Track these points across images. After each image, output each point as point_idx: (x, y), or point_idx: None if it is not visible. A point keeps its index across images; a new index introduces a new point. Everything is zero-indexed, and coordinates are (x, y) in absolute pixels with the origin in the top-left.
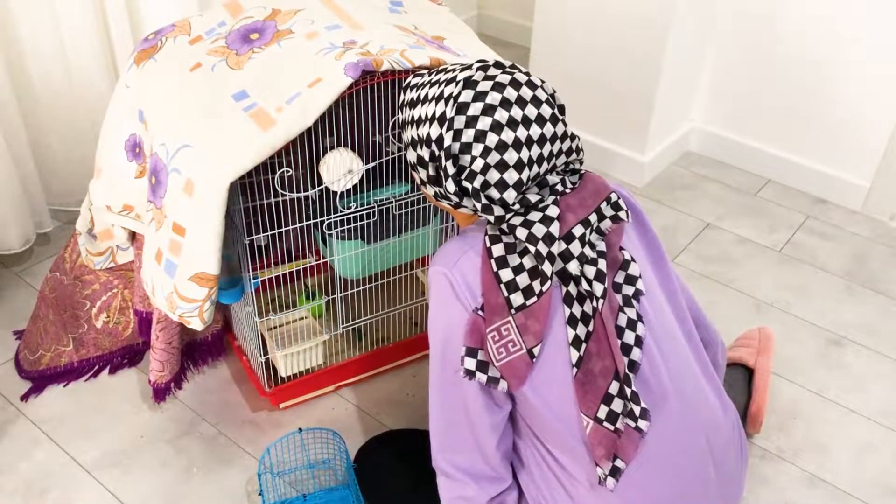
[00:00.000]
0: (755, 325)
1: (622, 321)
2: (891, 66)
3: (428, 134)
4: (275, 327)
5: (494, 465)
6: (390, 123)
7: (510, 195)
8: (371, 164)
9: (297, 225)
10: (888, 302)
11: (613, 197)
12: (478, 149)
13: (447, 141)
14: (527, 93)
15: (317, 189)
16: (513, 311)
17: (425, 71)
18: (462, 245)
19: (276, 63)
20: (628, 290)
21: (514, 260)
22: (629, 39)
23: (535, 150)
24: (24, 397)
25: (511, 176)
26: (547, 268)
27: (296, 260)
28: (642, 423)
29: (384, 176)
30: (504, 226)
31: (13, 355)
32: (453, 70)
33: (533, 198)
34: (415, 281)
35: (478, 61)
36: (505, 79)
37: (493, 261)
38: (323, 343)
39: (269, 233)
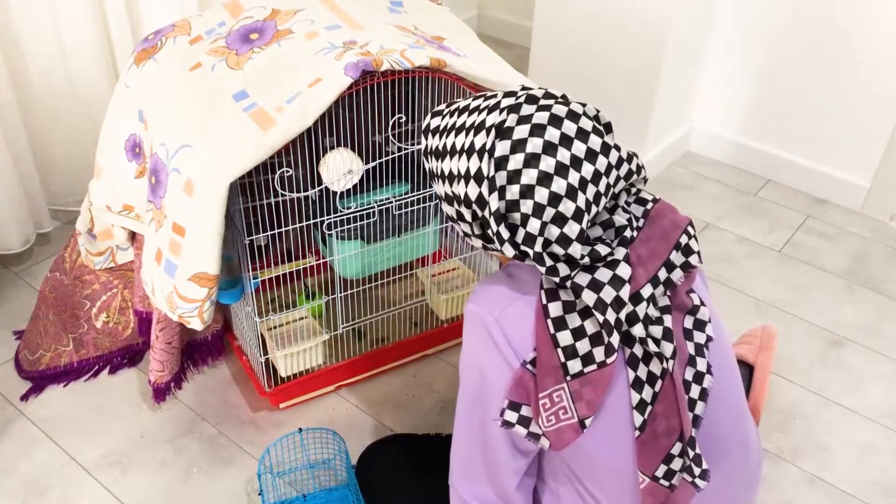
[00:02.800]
0: (755, 325)
1: (689, 374)
2: (891, 66)
3: (466, 194)
4: (275, 327)
5: (513, 501)
6: (390, 123)
7: (576, 250)
8: (371, 164)
9: (297, 225)
10: (888, 302)
11: (683, 240)
12: (527, 205)
13: (493, 204)
14: (570, 128)
15: (317, 189)
16: (568, 377)
17: (444, 108)
18: (511, 291)
19: (276, 63)
20: (699, 337)
21: (573, 321)
22: (629, 39)
23: (591, 191)
24: (24, 397)
25: (572, 229)
26: (615, 339)
27: (296, 260)
28: (700, 482)
29: (384, 176)
30: (567, 282)
31: (13, 355)
32: (479, 111)
33: (602, 250)
34: (415, 281)
35: (504, 95)
36: (542, 118)
37: (549, 321)
38: (323, 343)
39: (269, 233)
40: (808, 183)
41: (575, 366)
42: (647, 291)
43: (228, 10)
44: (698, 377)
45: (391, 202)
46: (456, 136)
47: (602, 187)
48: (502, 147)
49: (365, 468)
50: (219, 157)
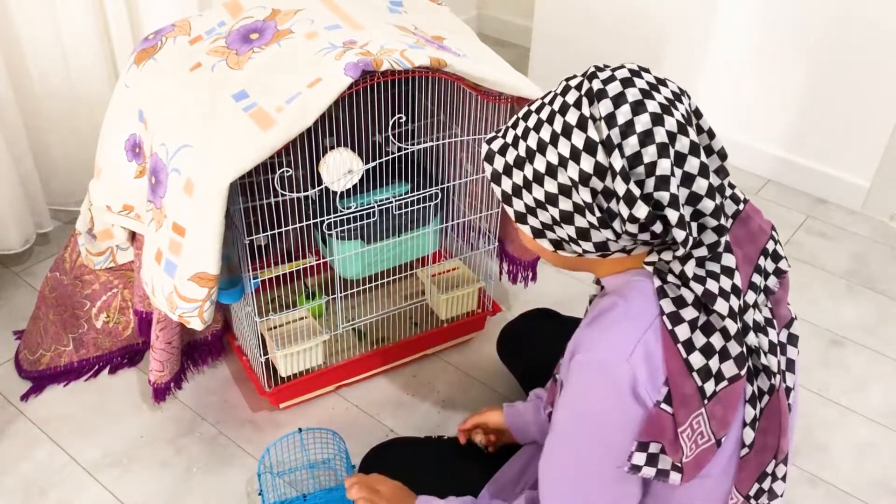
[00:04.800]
0: None
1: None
2: (891, 66)
3: (580, 172)
4: (275, 327)
5: None
6: (390, 123)
7: (707, 205)
8: (371, 164)
9: (297, 225)
10: (888, 302)
11: (771, 246)
12: (650, 152)
13: (616, 163)
14: (649, 78)
15: (317, 189)
16: (706, 400)
17: (501, 130)
18: (633, 328)
19: (276, 63)
20: (792, 352)
21: (699, 339)
22: (629, 39)
23: (696, 137)
24: (24, 397)
25: (700, 184)
26: (738, 348)
27: (296, 260)
28: (779, 502)
29: (384, 176)
30: (690, 296)
31: (13, 355)
32: (546, 104)
33: (730, 208)
34: (415, 281)
35: (567, 80)
36: (622, 74)
37: (680, 346)
38: (323, 343)
39: (269, 233)
40: (808, 183)
41: (710, 387)
42: (750, 298)
43: (228, 10)
44: (787, 393)
45: (391, 202)
46: (538, 132)
47: (703, 156)
48: (605, 105)
49: (366, 472)
50: (219, 157)
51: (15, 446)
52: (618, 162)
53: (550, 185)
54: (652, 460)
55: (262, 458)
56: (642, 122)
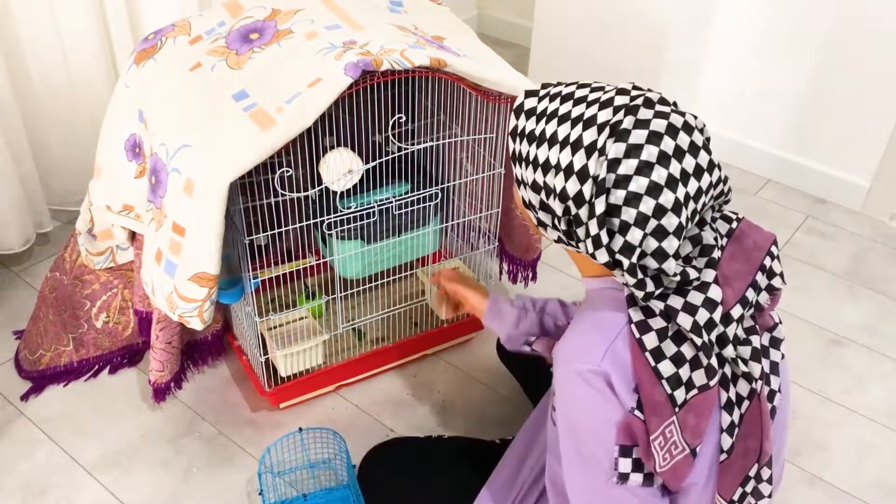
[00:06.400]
0: None
1: (764, 393)
2: (891, 67)
3: (563, 188)
4: (275, 327)
5: None
6: (390, 123)
7: (670, 266)
8: (371, 164)
9: (297, 225)
10: (888, 302)
11: (767, 263)
12: (630, 214)
13: (598, 206)
14: (685, 140)
15: (317, 189)
16: (677, 408)
17: (539, 89)
18: (602, 334)
19: (276, 63)
20: (775, 355)
21: (669, 348)
22: (629, 39)
23: (691, 207)
24: (24, 397)
25: (671, 244)
26: (714, 361)
27: (296, 260)
28: (765, 502)
29: (384, 176)
30: (659, 307)
31: (13, 355)
32: (588, 102)
33: (692, 273)
34: (415, 281)
35: (617, 92)
36: (661, 125)
37: (648, 354)
38: (323, 343)
39: (269, 233)
40: (808, 183)
41: (680, 395)
42: (737, 312)
43: (228, 10)
44: (771, 396)
45: (391, 202)
46: (559, 124)
47: (699, 205)
48: (616, 149)
49: (366, 472)
50: (219, 157)
51: (15, 446)
52: (600, 205)
53: (539, 176)
54: (638, 466)
55: (263, 458)
56: (638, 184)
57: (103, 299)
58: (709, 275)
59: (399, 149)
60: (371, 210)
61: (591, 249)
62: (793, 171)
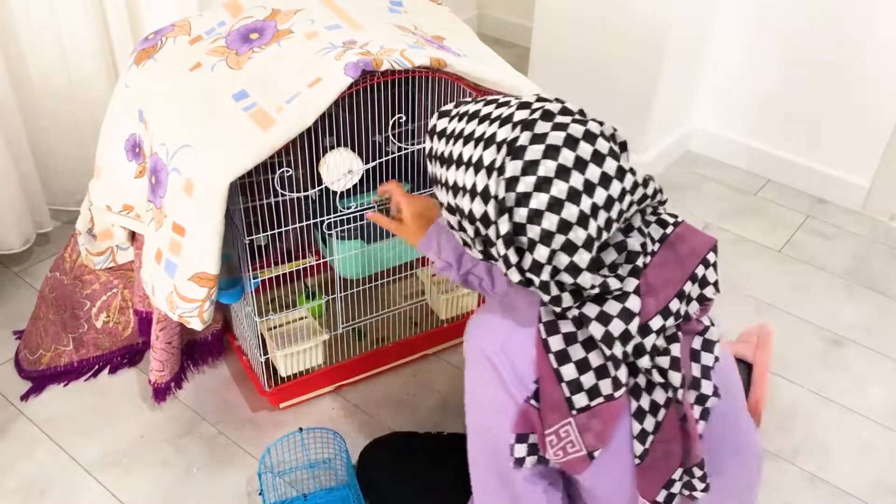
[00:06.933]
0: (754, 325)
1: (691, 397)
2: (891, 66)
3: (471, 210)
4: (275, 327)
5: None
6: (390, 123)
7: (586, 279)
8: (371, 164)
9: (297, 225)
10: (888, 302)
11: (700, 272)
12: (535, 231)
13: (502, 226)
14: (586, 150)
15: (317, 189)
16: (574, 411)
17: (452, 108)
18: (509, 322)
19: (276, 63)
20: (707, 358)
21: (576, 353)
22: (629, 39)
23: (603, 217)
24: (24, 397)
25: (582, 258)
26: (622, 373)
27: (296, 260)
28: (699, 494)
29: (384, 176)
30: (573, 312)
31: (13, 355)
32: (490, 120)
33: (613, 284)
34: (415, 281)
35: (519, 107)
36: (558, 138)
37: (552, 355)
38: (323, 343)
39: (269, 233)
40: (808, 183)
41: (581, 400)
42: (656, 323)
43: (228, 9)
44: (701, 399)
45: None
46: (464, 145)
47: (614, 213)
48: (513, 167)
49: (364, 466)
50: (219, 157)
51: (15, 446)
52: (504, 225)
53: (451, 198)
54: (533, 450)
55: (263, 458)
56: (539, 201)
57: (103, 299)
58: (630, 284)
59: (399, 149)
60: (371, 210)
61: (504, 269)
62: (793, 171)
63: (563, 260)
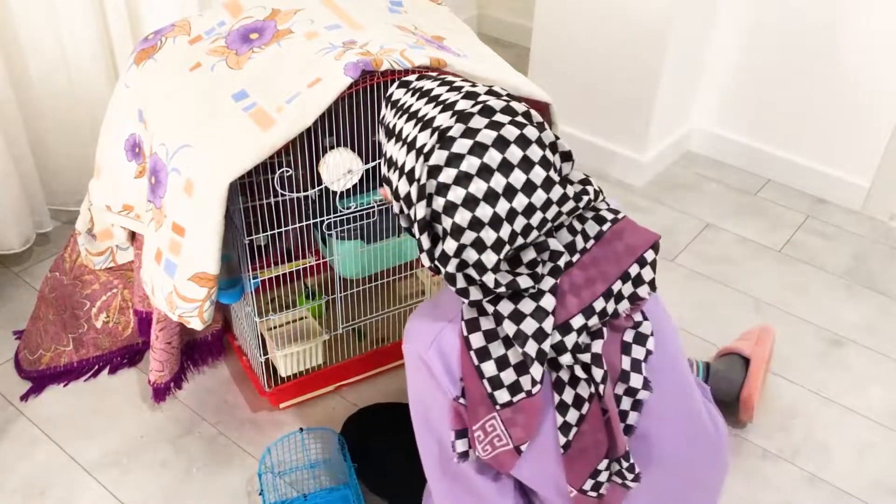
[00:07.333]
0: (755, 325)
1: (620, 390)
2: (890, 67)
3: (397, 188)
4: (275, 327)
5: None
6: None
7: (489, 279)
8: (371, 164)
9: (297, 225)
10: (888, 302)
11: (634, 270)
12: (448, 223)
13: (420, 210)
14: (515, 154)
15: (317, 189)
16: (498, 407)
17: (413, 79)
18: (436, 321)
19: (276, 63)
20: (638, 351)
21: (496, 350)
22: (630, 39)
23: (521, 223)
24: (24, 397)
25: (489, 258)
26: (536, 370)
27: (296, 260)
28: (631, 483)
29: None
30: (490, 309)
31: (13, 355)
32: (436, 102)
33: (524, 282)
34: (415, 281)
35: (465, 95)
36: (488, 136)
37: (472, 353)
38: (323, 343)
39: (269, 233)
40: (808, 183)
41: (502, 395)
42: (577, 322)
43: (228, 9)
44: (631, 392)
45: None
46: (406, 121)
47: (535, 221)
48: (438, 156)
49: (351, 427)
50: (218, 157)
51: (15, 446)
52: (422, 210)
53: (385, 169)
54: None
55: (263, 458)
56: (456, 194)
57: (103, 299)
58: (547, 283)
59: None
60: (371, 210)
61: (418, 252)
62: (793, 171)
63: (471, 256)
